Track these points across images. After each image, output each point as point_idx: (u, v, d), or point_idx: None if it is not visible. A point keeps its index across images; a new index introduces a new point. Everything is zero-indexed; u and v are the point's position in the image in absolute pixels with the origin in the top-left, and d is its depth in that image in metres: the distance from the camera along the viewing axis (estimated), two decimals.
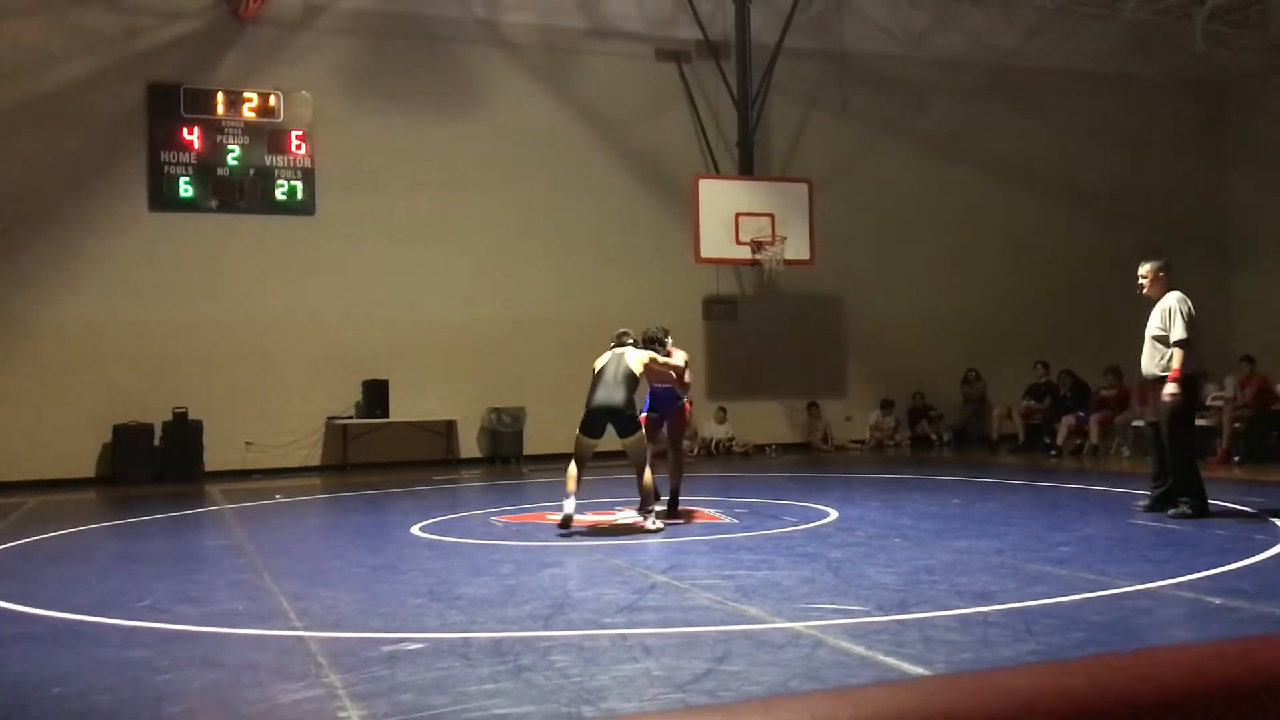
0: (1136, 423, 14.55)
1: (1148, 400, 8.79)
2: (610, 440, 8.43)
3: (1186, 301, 8.13)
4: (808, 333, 17.67)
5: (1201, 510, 8.07)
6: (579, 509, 8.30)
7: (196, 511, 10.90)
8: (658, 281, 16.67)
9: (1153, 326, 8.24)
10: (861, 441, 17.67)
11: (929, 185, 18.29)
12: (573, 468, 8.12)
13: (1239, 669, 1.23)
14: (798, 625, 4.92)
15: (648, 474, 8.12)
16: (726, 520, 8.85)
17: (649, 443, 8.53)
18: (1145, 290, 8.42)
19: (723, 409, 16.84)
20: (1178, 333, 8.01)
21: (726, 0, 17.20)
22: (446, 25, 16.07)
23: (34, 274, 14.09)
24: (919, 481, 12.26)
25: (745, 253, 16.03)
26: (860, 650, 4.44)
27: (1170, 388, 7.90)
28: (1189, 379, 8.06)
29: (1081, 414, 15.17)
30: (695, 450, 16.47)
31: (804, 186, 16.56)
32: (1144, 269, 8.46)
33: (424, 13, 15.97)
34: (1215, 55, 19.75)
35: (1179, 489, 8.16)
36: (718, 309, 17.35)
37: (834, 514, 9.00)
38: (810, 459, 16.21)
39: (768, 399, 17.40)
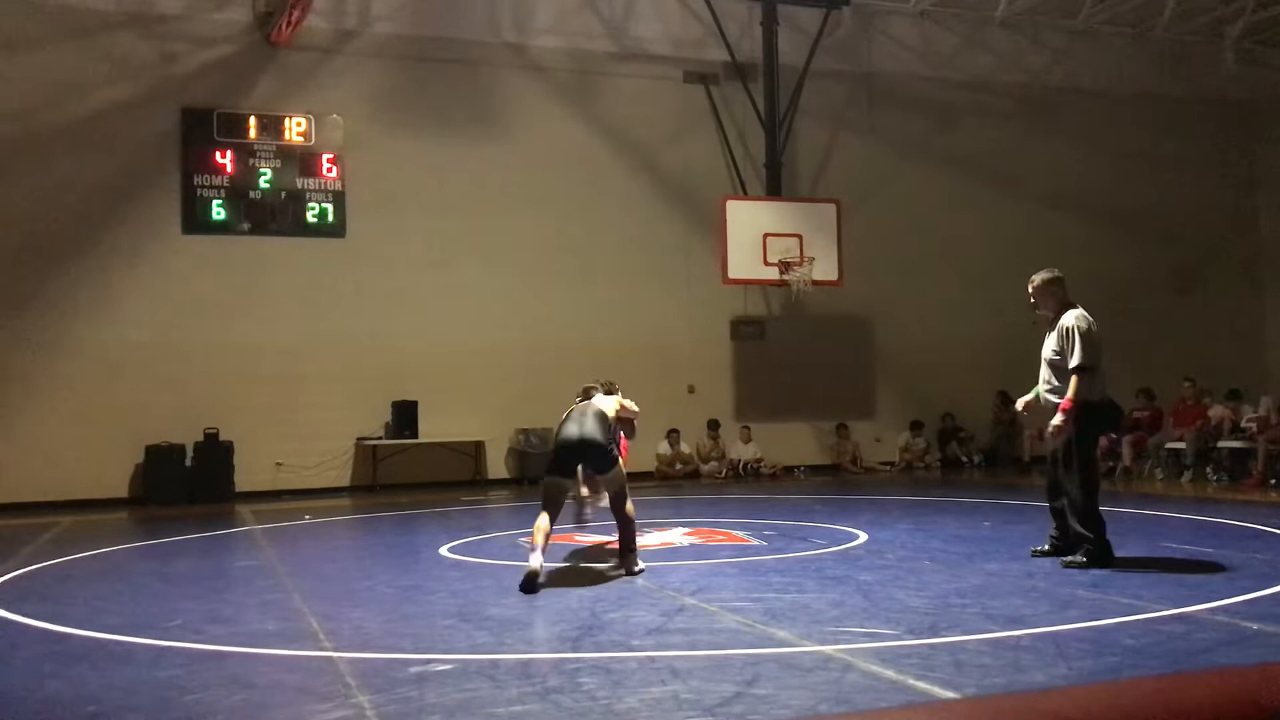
0: (1171, 444, 14.42)
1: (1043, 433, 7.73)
2: None
3: (1087, 319, 7.12)
4: (836, 353, 17.61)
5: (1102, 557, 6.95)
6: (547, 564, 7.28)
7: (227, 532, 10.96)
8: (685, 302, 16.71)
9: (1047, 349, 7.27)
10: (891, 463, 17.57)
11: (957, 206, 18.24)
12: (542, 519, 7.05)
13: (1273, 694, 1.21)
14: (827, 648, 4.89)
15: (629, 506, 7.42)
16: (755, 542, 8.81)
17: (594, 493, 7.98)
18: (1035, 306, 7.43)
19: (746, 428, 16.80)
20: (1075, 358, 6.99)
21: (754, 23, 17.25)
22: (476, 49, 16.21)
23: (68, 296, 14.26)
24: (949, 504, 12.17)
25: (773, 273, 16.02)
26: (890, 674, 4.41)
27: (1057, 419, 6.99)
28: (1094, 406, 7.07)
29: (1114, 435, 15.01)
30: (724, 471, 16.47)
31: (832, 207, 16.56)
32: (1033, 281, 7.43)
33: (454, 37, 16.12)
34: (1247, 74, 19.63)
35: (1074, 533, 7.11)
36: (746, 330, 17.34)
37: (863, 536, 8.95)
38: (839, 481, 16.12)
39: (796, 420, 17.34)
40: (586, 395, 7.99)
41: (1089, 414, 7.09)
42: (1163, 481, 13.92)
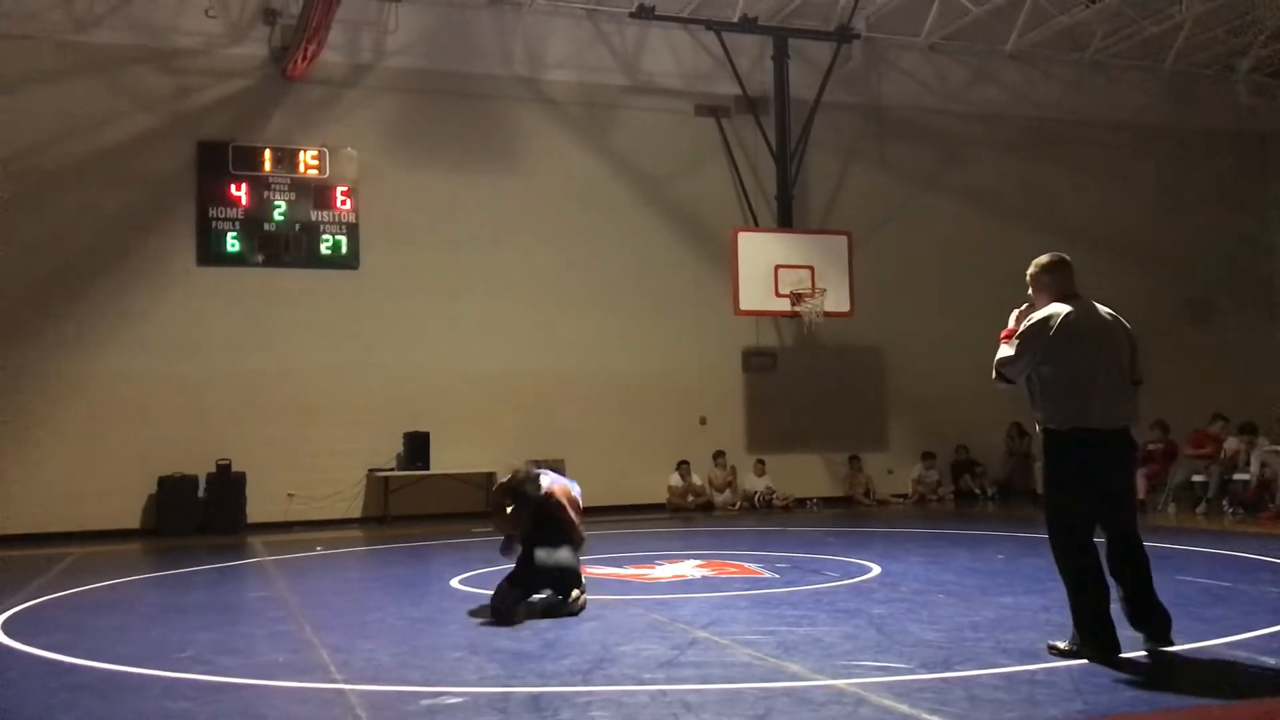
0: (1196, 477, 14.29)
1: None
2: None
3: (1042, 314, 5.45)
4: (848, 385, 17.58)
5: (1083, 648, 5.18)
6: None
7: (239, 563, 10.96)
8: (697, 334, 16.73)
9: None
10: (904, 495, 17.49)
11: (968, 238, 18.23)
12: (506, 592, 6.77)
13: None
14: (840, 683, 4.86)
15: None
16: (767, 575, 8.77)
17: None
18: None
19: (761, 461, 16.76)
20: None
21: (765, 56, 17.37)
22: (489, 83, 16.33)
23: (84, 327, 14.35)
24: (963, 536, 12.10)
25: (785, 305, 16.05)
26: (904, 708, 4.38)
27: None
28: (1058, 436, 5.36)
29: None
30: (736, 503, 16.42)
31: (843, 239, 16.59)
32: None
33: (467, 71, 16.25)
34: (1258, 106, 19.65)
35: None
36: (757, 361, 17.34)
37: (876, 569, 8.90)
38: (852, 513, 16.06)
39: (808, 452, 17.29)
40: (534, 479, 7.43)
41: (1055, 447, 5.41)
42: (1176, 515, 13.81)
